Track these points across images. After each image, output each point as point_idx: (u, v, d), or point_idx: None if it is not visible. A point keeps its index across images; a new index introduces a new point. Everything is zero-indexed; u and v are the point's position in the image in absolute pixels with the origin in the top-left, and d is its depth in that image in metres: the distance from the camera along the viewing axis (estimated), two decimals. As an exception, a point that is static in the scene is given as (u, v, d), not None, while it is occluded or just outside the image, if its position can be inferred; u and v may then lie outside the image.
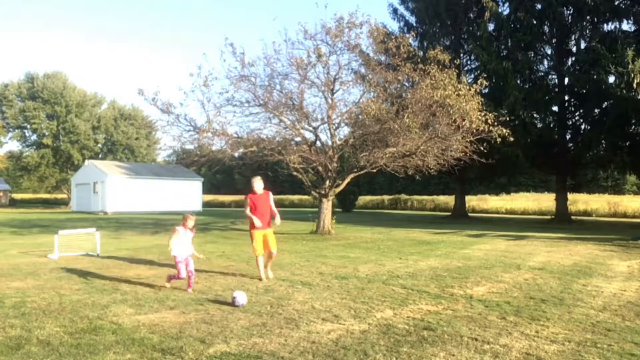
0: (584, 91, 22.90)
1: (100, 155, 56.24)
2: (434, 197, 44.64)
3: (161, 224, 21.57)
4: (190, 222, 6.83)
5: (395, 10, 29.16)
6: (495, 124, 14.58)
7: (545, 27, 23.96)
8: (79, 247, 11.32)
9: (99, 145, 57.50)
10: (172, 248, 6.66)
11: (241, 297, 5.77)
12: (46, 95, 51.89)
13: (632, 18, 22.38)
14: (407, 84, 16.78)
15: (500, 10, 24.34)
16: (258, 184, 7.67)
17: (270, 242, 7.59)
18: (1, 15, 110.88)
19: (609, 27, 23.07)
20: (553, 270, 8.68)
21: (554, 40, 24.45)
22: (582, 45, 23.93)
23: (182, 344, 4.28)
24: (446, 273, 8.32)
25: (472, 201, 37.86)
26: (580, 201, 33.96)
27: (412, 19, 29.22)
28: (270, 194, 7.81)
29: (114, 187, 34.75)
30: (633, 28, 22.73)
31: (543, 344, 4.41)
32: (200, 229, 18.61)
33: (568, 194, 26.85)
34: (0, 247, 12.12)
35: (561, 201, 25.48)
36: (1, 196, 55.66)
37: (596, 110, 23.89)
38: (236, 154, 17.63)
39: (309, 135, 16.72)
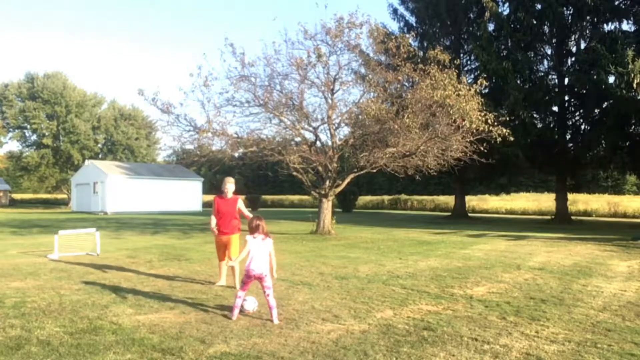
0: (584, 91, 22.90)
1: (100, 155, 56.28)
2: (434, 197, 44.64)
3: (161, 224, 21.58)
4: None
5: (395, 11, 29.18)
6: (495, 124, 14.58)
7: (545, 27, 23.94)
8: (79, 247, 11.32)
9: (99, 145, 57.55)
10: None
11: (249, 304, 5.35)
12: (46, 95, 51.93)
13: (632, 18, 22.38)
14: (407, 84, 16.78)
15: (500, 10, 24.34)
16: (229, 186, 6.90)
17: (230, 249, 6.86)
18: (1, 15, 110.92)
19: (609, 27, 23.08)
20: (553, 271, 8.68)
21: (554, 41, 24.45)
22: (582, 45, 23.93)
23: (182, 344, 4.28)
24: (446, 273, 8.32)
25: (472, 201, 37.88)
26: (580, 201, 33.97)
27: (412, 19, 29.25)
28: (240, 199, 7.02)
29: (114, 187, 34.75)
30: (633, 28, 22.74)
31: (543, 344, 4.41)
32: (200, 229, 18.64)
33: (568, 194, 26.85)
34: (0, 247, 12.12)
35: (561, 201, 25.48)
36: (1, 196, 55.63)
37: (596, 110, 23.88)
38: (236, 154, 17.64)
39: (309, 136, 16.75)
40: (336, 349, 4.21)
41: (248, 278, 5.16)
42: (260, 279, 5.12)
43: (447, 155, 15.57)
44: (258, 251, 5.19)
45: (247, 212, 6.80)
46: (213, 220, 6.96)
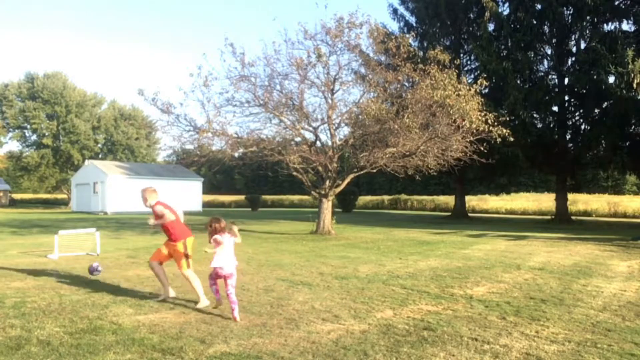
0: (584, 91, 22.90)
1: (100, 155, 56.26)
2: (434, 197, 44.64)
3: (161, 224, 21.56)
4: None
5: (395, 11, 29.17)
6: (495, 124, 14.58)
7: (545, 27, 23.94)
8: (79, 247, 11.31)
9: (99, 145, 57.53)
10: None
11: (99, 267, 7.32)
12: (46, 95, 51.90)
13: (632, 18, 22.37)
14: (407, 84, 16.77)
15: (500, 10, 24.34)
16: (150, 195, 6.16)
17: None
18: (1, 15, 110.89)
19: (609, 27, 23.06)
20: (553, 271, 8.68)
21: (554, 40, 24.44)
22: (582, 45, 23.91)
23: (182, 344, 4.28)
24: (446, 273, 8.32)
25: (472, 201, 37.87)
26: (580, 201, 33.96)
27: (412, 19, 29.23)
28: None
29: (114, 187, 34.74)
30: (633, 28, 22.73)
31: (543, 344, 4.41)
32: (200, 229, 18.62)
33: (568, 194, 26.85)
34: (0, 247, 12.12)
35: (561, 201, 25.47)
36: (1, 196, 55.61)
37: (596, 110, 23.88)
38: (236, 154, 17.63)
39: (309, 136, 16.75)
40: (336, 349, 4.21)
41: (217, 276, 5.34)
42: (227, 277, 5.28)
43: (447, 155, 15.56)
44: (226, 251, 5.35)
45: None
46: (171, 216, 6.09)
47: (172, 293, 6.21)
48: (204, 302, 5.73)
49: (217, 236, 5.35)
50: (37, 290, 6.61)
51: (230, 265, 5.32)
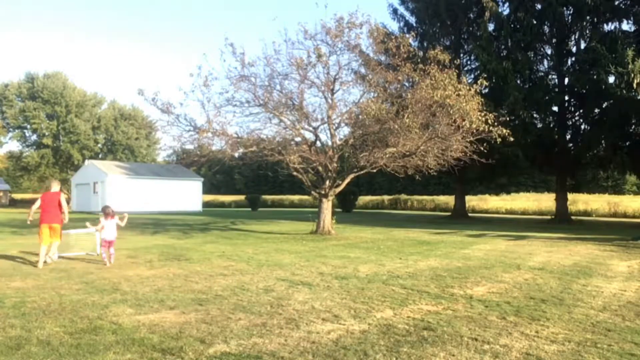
0: (584, 91, 22.90)
1: (100, 155, 56.26)
2: (434, 197, 44.66)
3: (161, 224, 21.57)
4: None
5: (395, 11, 29.18)
6: (495, 124, 14.56)
7: (545, 27, 23.96)
8: (79, 247, 11.31)
9: (99, 145, 57.53)
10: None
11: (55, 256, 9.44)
12: (46, 95, 51.91)
13: (632, 18, 22.37)
14: (407, 84, 16.77)
15: (500, 10, 24.34)
16: (55, 185, 9.60)
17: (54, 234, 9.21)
18: (1, 15, 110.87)
19: (609, 27, 23.10)
20: (553, 270, 8.68)
21: (554, 40, 24.45)
22: (582, 45, 23.94)
23: (182, 344, 4.28)
24: (446, 273, 8.33)
25: (472, 201, 37.89)
26: (580, 201, 33.97)
27: (412, 19, 29.24)
28: (62, 195, 9.53)
29: (114, 187, 34.76)
30: (633, 28, 22.74)
31: (543, 344, 4.41)
32: (200, 229, 18.64)
33: (568, 194, 26.86)
34: (0, 247, 12.12)
35: (561, 201, 25.48)
36: (1, 196, 55.60)
37: (596, 110, 23.90)
38: (236, 154, 17.62)
39: (309, 135, 16.73)
40: (336, 349, 4.21)
41: (106, 242, 9.10)
42: (111, 243, 9.14)
43: (447, 155, 15.56)
44: (110, 227, 9.22)
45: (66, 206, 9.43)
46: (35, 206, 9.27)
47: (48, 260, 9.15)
48: (40, 265, 8.72)
49: (102, 219, 9.22)
50: (37, 290, 6.61)
51: (111, 235, 9.20)
